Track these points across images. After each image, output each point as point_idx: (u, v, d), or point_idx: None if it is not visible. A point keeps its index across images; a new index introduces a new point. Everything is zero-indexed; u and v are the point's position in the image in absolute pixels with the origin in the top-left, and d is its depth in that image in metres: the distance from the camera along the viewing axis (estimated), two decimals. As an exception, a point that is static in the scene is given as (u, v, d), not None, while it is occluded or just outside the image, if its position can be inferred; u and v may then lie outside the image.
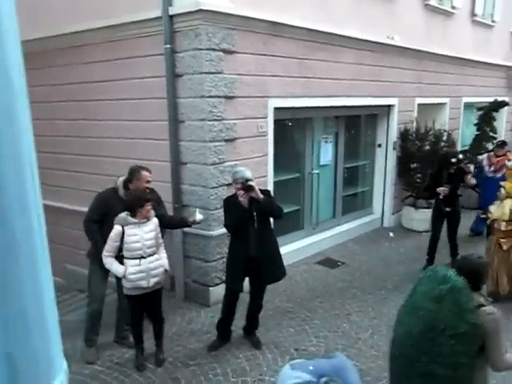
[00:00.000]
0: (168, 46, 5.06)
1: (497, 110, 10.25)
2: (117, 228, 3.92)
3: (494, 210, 5.56)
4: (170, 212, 5.13)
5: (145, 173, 4.30)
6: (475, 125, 10.24)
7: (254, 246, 4.22)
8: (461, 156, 6.46)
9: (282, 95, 5.98)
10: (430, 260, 6.48)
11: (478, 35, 10.69)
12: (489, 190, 6.65)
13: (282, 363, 4.22)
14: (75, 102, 6.33)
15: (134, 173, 4.29)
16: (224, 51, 5.15)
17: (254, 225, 4.20)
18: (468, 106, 10.81)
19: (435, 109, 9.70)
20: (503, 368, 2.51)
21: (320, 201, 7.32)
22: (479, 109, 10.25)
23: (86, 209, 4.54)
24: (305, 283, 6.16)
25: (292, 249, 6.81)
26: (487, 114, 10.11)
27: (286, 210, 6.82)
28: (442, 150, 8.21)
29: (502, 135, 11.97)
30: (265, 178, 5.95)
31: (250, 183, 4.13)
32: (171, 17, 5.00)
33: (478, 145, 10.05)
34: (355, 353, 4.48)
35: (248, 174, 4.22)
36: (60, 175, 6.72)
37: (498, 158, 7.54)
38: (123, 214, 3.94)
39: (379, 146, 8.47)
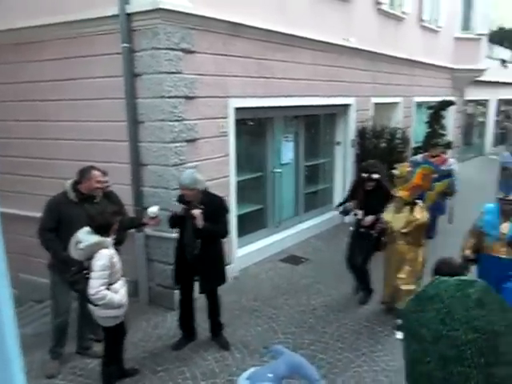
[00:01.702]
0: (126, 44, 4.95)
1: (445, 109, 10.76)
2: (107, 253, 3.43)
3: (390, 219, 4.95)
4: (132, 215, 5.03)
5: (95, 172, 4.13)
6: (426, 123, 10.71)
7: (192, 254, 4.24)
8: (375, 176, 5.21)
9: (243, 95, 6.00)
10: (363, 288, 5.60)
11: (426, 39, 11.18)
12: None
13: (251, 362, 4.23)
14: (29, 102, 6.03)
15: (84, 173, 4.12)
16: (183, 51, 5.10)
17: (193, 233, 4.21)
18: (419, 105, 11.29)
19: (390, 108, 10.05)
20: None
21: (282, 199, 7.40)
22: (429, 108, 10.73)
23: (39, 214, 4.31)
24: (270, 281, 6.20)
25: (256, 247, 6.84)
26: (436, 113, 10.60)
27: (248, 210, 6.92)
28: (398, 146, 8.52)
29: (450, 133, 12.57)
30: (227, 178, 5.94)
31: (194, 213, 4.05)
32: (128, 15, 4.89)
33: (429, 141, 10.48)
34: (322, 346, 4.56)
35: (187, 181, 4.12)
36: (12, 179, 6.40)
37: (433, 159, 7.31)
38: (101, 238, 3.45)
39: (338, 144, 8.67)
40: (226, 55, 5.70)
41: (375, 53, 8.77)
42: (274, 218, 7.33)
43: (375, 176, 5.20)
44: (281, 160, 7.28)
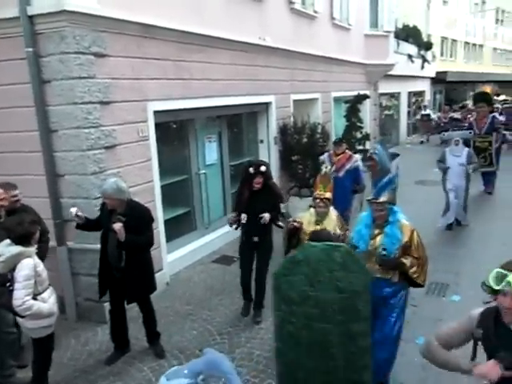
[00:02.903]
0: (30, 49, 4.65)
1: (360, 103, 11.31)
2: (30, 262, 3.35)
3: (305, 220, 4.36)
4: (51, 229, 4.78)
5: None
6: (344, 116, 11.20)
7: (117, 266, 4.14)
8: (263, 168, 4.89)
9: (161, 98, 5.89)
10: (245, 299, 5.24)
11: (338, 37, 11.69)
12: (335, 192, 5.13)
13: (188, 367, 4.19)
14: None
15: None
16: (95, 55, 4.91)
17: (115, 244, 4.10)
18: (337, 100, 11.79)
19: (309, 104, 10.39)
20: None
21: (210, 200, 7.38)
22: (346, 102, 11.23)
23: None
24: (203, 283, 6.17)
25: (187, 251, 6.79)
26: (353, 107, 11.11)
27: (176, 214, 6.84)
28: (319, 141, 8.83)
29: (367, 125, 13.26)
30: (151, 183, 5.82)
31: (115, 228, 3.93)
32: (31, 17, 4.60)
33: (348, 135, 10.98)
34: (258, 342, 4.63)
35: (110, 191, 4.01)
36: None
37: (337, 157, 7.06)
38: (22, 248, 3.37)
39: (261, 141, 8.82)
40: (141, 58, 5.57)
41: (291, 51, 9.01)
42: (202, 219, 7.30)
43: (263, 168, 4.87)
44: (205, 161, 7.26)
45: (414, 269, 3.50)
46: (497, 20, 34.92)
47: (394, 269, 3.50)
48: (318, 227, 4.20)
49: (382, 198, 3.49)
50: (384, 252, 3.44)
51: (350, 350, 2.86)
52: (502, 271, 2.07)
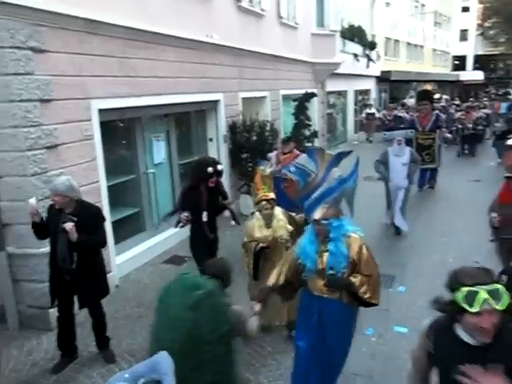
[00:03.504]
0: (-43, 43, 4.37)
1: (308, 101, 11.53)
2: None
3: (254, 227, 4.34)
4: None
5: None
6: (293, 114, 11.37)
7: (68, 269, 3.99)
8: (220, 167, 4.95)
9: (106, 96, 5.72)
10: None
11: (286, 35, 11.82)
12: (280, 193, 5.38)
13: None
14: None
15: None
16: (33, 50, 4.68)
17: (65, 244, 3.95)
18: (285, 98, 11.91)
19: (258, 102, 10.45)
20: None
21: (159, 200, 7.26)
22: (294, 100, 11.39)
23: None
24: (154, 285, 6.04)
25: (137, 252, 6.65)
26: (301, 105, 11.31)
27: (124, 214, 6.68)
28: (268, 139, 8.90)
29: (316, 123, 13.53)
30: (96, 184, 5.64)
31: (66, 227, 3.79)
32: (-43, 9, 4.32)
33: (297, 132, 11.16)
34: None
35: (62, 188, 3.87)
36: None
37: (284, 156, 6.80)
38: None
39: (211, 140, 8.78)
40: (84, 54, 5.38)
41: (239, 49, 9.02)
42: (152, 219, 7.17)
43: (220, 167, 4.96)
44: (153, 160, 7.13)
45: (365, 288, 3.10)
46: (435, 23, 36.71)
47: (343, 289, 3.17)
48: (270, 230, 4.25)
49: (318, 215, 3.10)
50: (331, 271, 3.11)
51: None
52: (472, 289, 1.81)
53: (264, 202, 4.25)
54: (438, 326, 2.04)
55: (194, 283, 2.58)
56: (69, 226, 3.80)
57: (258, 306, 3.25)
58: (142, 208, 7.03)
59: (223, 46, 8.40)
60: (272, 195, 4.31)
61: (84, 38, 5.37)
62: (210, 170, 4.89)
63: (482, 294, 1.77)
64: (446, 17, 39.38)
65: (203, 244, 5.11)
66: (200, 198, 4.94)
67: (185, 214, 4.93)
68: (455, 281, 1.90)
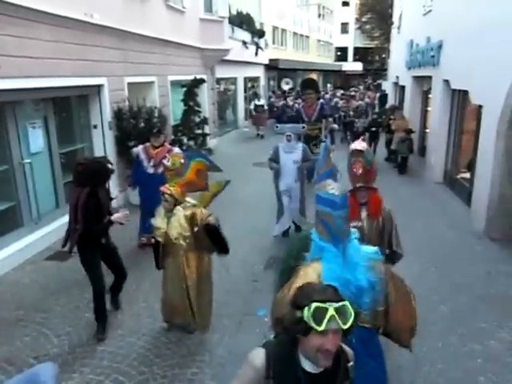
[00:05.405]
0: None
1: (197, 87, 11.43)
2: None
3: (162, 225, 4.16)
4: None
5: None
6: (182, 101, 11.19)
7: None
8: (110, 166, 4.50)
9: (-32, 77, 5.09)
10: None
11: (173, 19, 11.53)
12: (153, 191, 4.91)
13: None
14: None
15: None
16: None
17: None
18: (174, 83, 11.66)
19: (145, 87, 10.09)
20: None
21: (38, 192, 6.68)
22: (183, 86, 11.21)
23: None
24: (35, 284, 5.62)
25: (13, 250, 6.08)
26: (190, 91, 11.18)
27: (-4, 209, 6.04)
28: (156, 125, 8.65)
29: (206, 109, 13.50)
30: (-39, 176, 5.02)
31: None
32: None
33: (187, 119, 11.03)
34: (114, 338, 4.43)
35: None
36: None
37: (155, 150, 6.32)
38: None
39: (95, 127, 8.29)
40: None
41: (123, 30, 8.60)
42: (31, 214, 6.59)
43: (110, 166, 4.50)
44: (30, 149, 6.52)
45: None
46: (319, 14, 38.68)
47: None
48: (165, 223, 4.14)
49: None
50: None
51: None
52: (320, 305, 1.69)
53: (167, 197, 4.11)
54: (278, 354, 1.82)
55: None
56: None
57: None
58: (19, 202, 6.41)
59: (105, 26, 7.93)
60: (172, 191, 4.10)
61: None
62: (111, 166, 4.48)
63: (331, 311, 1.67)
64: (328, 9, 41.71)
65: (92, 253, 4.58)
66: (105, 203, 4.41)
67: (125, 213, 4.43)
68: (304, 297, 1.76)
